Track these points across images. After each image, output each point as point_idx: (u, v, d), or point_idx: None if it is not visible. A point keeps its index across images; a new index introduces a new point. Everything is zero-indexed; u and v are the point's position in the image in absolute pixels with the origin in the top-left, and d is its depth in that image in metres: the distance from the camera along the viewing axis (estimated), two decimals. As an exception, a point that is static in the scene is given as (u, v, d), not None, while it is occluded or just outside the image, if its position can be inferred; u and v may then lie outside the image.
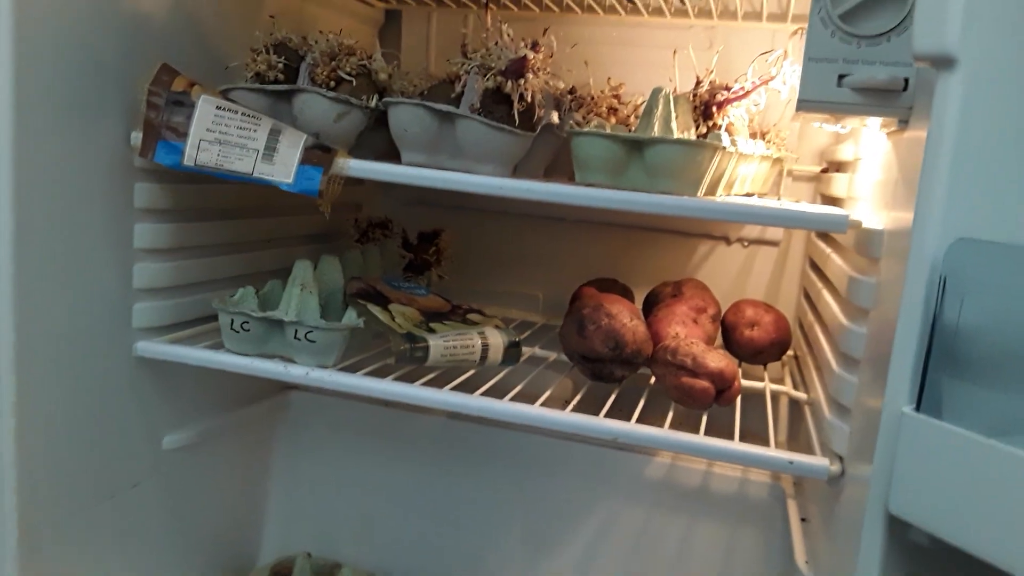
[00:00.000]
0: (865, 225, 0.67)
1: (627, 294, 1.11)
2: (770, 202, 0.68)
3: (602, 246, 1.19)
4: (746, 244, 1.14)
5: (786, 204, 0.69)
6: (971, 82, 0.36)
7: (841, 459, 0.68)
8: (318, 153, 0.75)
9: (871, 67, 0.60)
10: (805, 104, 0.62)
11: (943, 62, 0.38)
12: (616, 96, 0.93)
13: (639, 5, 1.01)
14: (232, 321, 0.79)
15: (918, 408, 0.42)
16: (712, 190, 0.78)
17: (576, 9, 1.06)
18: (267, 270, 1.03)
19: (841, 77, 0.61)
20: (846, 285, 0.71)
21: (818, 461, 0.69)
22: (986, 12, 0.36)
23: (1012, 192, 0.36)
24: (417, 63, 1.20)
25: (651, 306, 1.06)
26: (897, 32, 0.59)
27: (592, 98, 0.91)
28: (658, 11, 1.03)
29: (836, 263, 0.80)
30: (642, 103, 0.85)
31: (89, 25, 0.73)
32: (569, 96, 0.91)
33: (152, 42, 0.80)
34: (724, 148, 0.72)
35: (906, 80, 0.59)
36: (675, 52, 0.95)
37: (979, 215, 0.37)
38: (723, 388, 0.79)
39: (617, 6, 1.02)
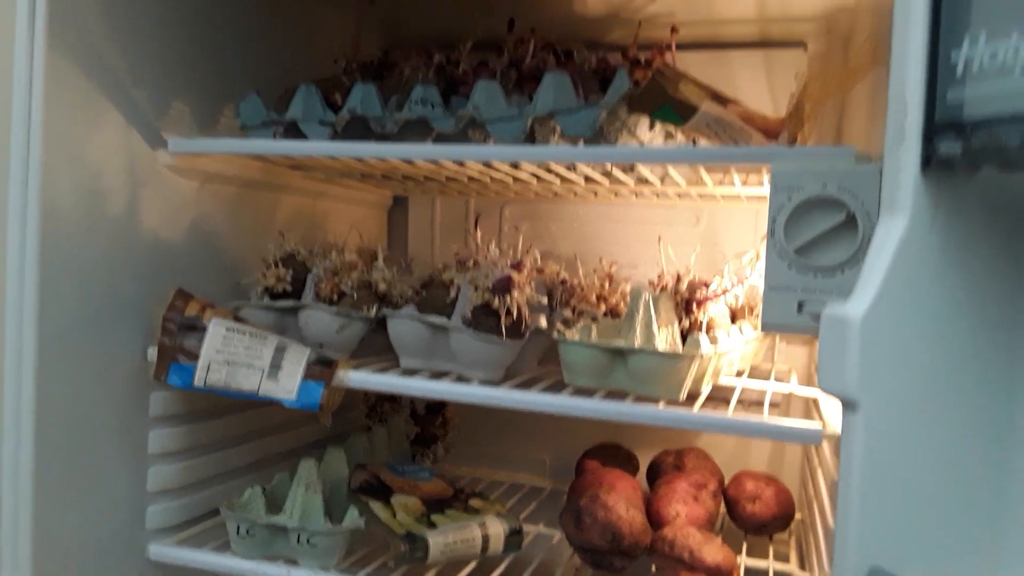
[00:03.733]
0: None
1: (631, 461, 1.12)
2: (748, 418, 0.71)
3: (606, 409, 1.21)
4: (748, 407, 1.15)
5: (764, 418, 0.72)
6: (872, 423, 0.40)
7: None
8: (320, 368, 0.80)
9: (828, 296, 0.64)
10: (769, 327, 0.66)
11: (846, 404, 0.41)
12: (606, 279, 0.98)
13: (625, 193, 1.07)
14: (239, 528, 0.82)
15: None
16: (698, 384, 0.81)
17: (567, 196, 1.13)
18: (280, 452, 1.07)
19: (801, 304, 0.65)
20: (831, 484, 0.73)
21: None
22: (882, 362, 0.39)
23: (920, 522, 0.39)
24: (424, 241, 1.28)
25: (654, 476, 1.08)
26: (850, 264, 0.64)
27: (582, 288, 0.96)
28: (643, 195, 1.09)
29: (826, 452, 0.82)
30: (631, 290, 0.90)
31: (109, 256, 0.80)
32: (560, 286, 0.96)
33: (169, 265, 0.87)
34: (703, 355, 0.76)
35: (862, 307, 0.63)
36: (660, 238, 1.01)
37: (892, 543, 0.39)
38: (721, 583, 0.79)
39: (607, 194, 1.09)
